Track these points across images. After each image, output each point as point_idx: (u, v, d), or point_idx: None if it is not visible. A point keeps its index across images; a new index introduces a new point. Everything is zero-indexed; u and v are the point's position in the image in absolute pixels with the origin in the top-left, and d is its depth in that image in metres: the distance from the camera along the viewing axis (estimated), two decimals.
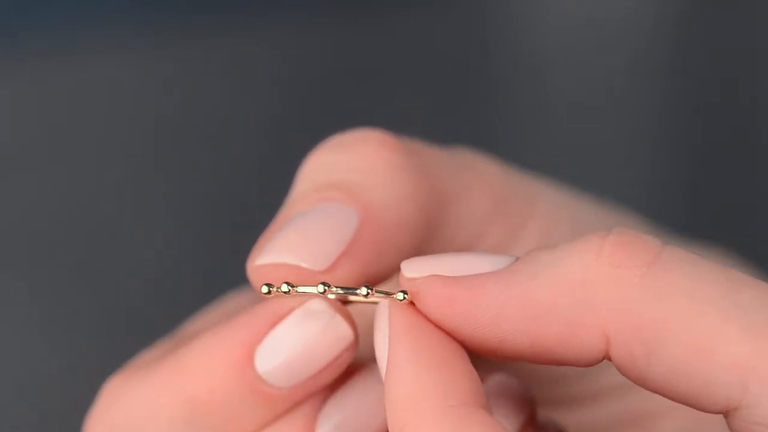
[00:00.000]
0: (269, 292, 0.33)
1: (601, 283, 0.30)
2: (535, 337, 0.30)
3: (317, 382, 0.34)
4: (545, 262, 0.30)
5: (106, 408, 0.35)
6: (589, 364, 0.30)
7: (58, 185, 0.77)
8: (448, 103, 0.84)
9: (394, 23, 0.89)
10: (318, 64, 0.85)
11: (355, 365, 0.34)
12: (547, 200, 0.39)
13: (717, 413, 0.29)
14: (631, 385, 0.30)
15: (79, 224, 0.75)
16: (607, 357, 0.30)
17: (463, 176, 0.37)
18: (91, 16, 0.86)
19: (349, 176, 0.35)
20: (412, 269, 0.32)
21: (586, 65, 0.87)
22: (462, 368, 0.30)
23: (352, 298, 0.33)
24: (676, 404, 0.30)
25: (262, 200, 0.49)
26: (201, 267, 0.72)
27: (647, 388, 0.30)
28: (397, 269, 0.32)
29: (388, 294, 0.32)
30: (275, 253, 0.33)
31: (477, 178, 0.37)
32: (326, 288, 0.33)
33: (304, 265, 0.33)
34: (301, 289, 0.33)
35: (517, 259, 0.31)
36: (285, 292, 0.33)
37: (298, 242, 0.33)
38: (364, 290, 0.32)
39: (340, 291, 0.33)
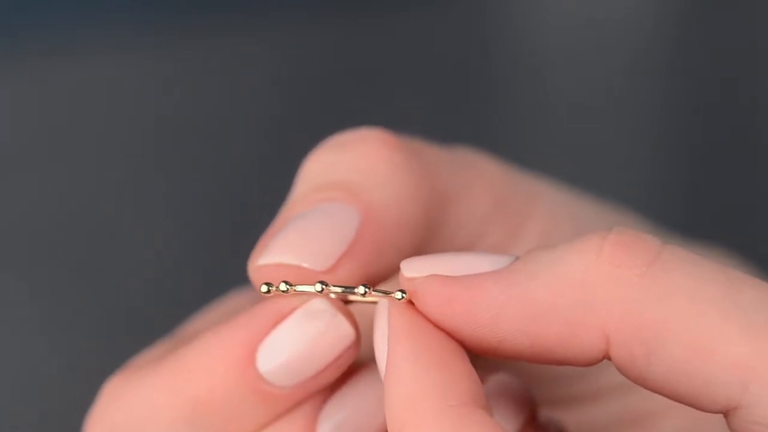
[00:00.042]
0: (269, 291, 0.33)
1: (601, 282, 0.29)
2: (534, 337, 0.30)
3: (319, 382, 0.34)
4: (545, 261, 0.30)
5: (106, 407, 0.35)
6: (589, 363, 0.30)
7: (58, 185, 0.77)
8: (448, 103, 0.84)
9: (394, 23, 0.89)
10: (318, 64, 0.85)
11: (356, 365, 0.34)
12: (547, 200, 0.39)
13: (717, 413, 0.29)
14: (630, 384, 0.30)
15: (79, 224, 0.75)
16: (606, 357, 0.30)
17: (463, 175, 0.37)
18: (91, 16, 0.86)
19: (350, 176, 0.34)
20: (412, 269, 0.32)
21: (586, 65, 0.87)
22: (461, 368, 0.30)
23: (350, 297, 0.33)
24: (676, 404, 0.30)
25: (262, 200, 0.49)
26: (201, 267, 0.72)
27: (647, 388, 0.30)
28: (398, 269, 0.32)
29: (385, 293, 0.32)
30: (276, 253, 0.33)
31: (478, 177, 0.37)
32: (324, 287, 0.33)
33: (305, 265, 0.33)
34: (299, 288, 0.33)
35: (517, 258, 0.31)
36: (283, 291, 0.33)
37: (299, 242, 0.33)
38: (361, 289, 0.32)
39: (337, 290, 0.33)
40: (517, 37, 0.91)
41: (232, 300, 0.38)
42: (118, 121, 0.82)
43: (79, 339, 0.69)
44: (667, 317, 0.29)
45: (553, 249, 0.30)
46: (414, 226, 0.35)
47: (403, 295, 0.32)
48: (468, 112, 0.83)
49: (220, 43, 0.86)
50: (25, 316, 0.70)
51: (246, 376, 0.33)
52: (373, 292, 0.32)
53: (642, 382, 0.30)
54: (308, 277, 0.33)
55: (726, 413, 0.29)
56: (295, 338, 0.33)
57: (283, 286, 0.33)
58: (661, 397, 0.30)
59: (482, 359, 0.32)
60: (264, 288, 0.33)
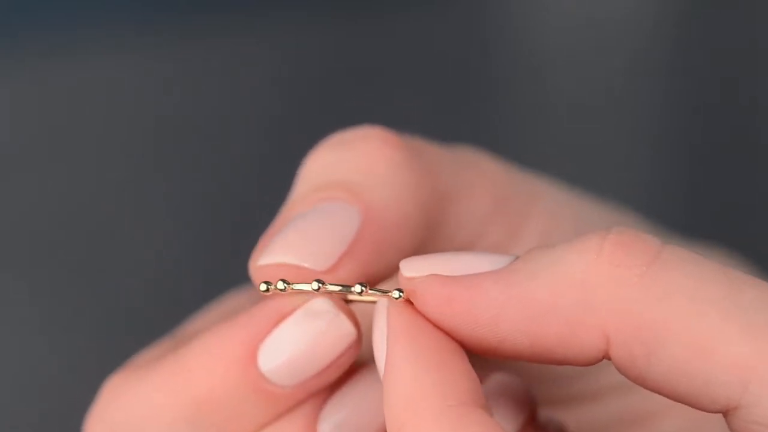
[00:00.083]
0: (267, 290, 0.33)
1: (601, 282, 0.29)
2: (534, 336, 0.30)
3: (320, 381, 0.34)
4: (545, 261, 0.30)
5: (106, 407, 0.35)
6: (589, 363, 0.30)
7: (58, 185, 0.77)
8: (448, 103, 0.84)
9: (394, 23, 0.89)
10: (318, 64, 0.85)
11: (356, 364, 0.34)
12: (548, 199, 0.39)
13: (716, 412, 0.29)
14: (630, 384, 0.30)
15: (79, 224, 0.75)
16: (606, 357, 0.30)
17: (464, 174, 0.37)
18: (91, 16, 0.86)
19: (351, 175, 0.34)
20: (411, 268, 0.32)
21: (586, 65, 0.87)
22: (460, 368, 0.30)
23: (349, 296, 0.33)
24: (676, 403, 0.30)
25: (262, 200, 0.49)
26: (201, 267, 0.72)
27: (647, 388, 0.30)
28: (398, 268, 0.32)
29: (383, 292, 0.32)
30: (277, 253, 0.33)
31: (478, 177, 0.37)
32: (321, 285, 0.33)
33: (306, 265, 0.33)
34: (297, 286, 0.33)
35: (517, 258, 0.31)
36: (281, 290, 0.33)
37: (299, 242, 0.33)
38: (358, 288, 0.33)
39: (334, 288, 0.33)
40: (517, 37, 0.91)
41: (232, 299, 0.38)
42: (118, 121, 0.82)
43: (79, 339, 0.69)
44: (667, 317, 0.29)
45: (553, 249, 0.30)
46: (414, 226, 0.35)
47: (401, 294, 0.32)
48: (468, 112, 0.83)
49: (220, 43, 0.86)
50: (25, 316, 0.70)
51: (247, 375, 0.33)
52: (369, 291, 0.32)
53: (642, 382, 0.30)
54: (308, 277, 0.33)
55: (726, 413, 0.29)
56: (297, 337, 0.33)
57: (280, 285, 0.33)
58: (661, 396, 0.30)
59: (482, 359, 0.32)
60: (263, 287, 0.33)
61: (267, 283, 0.33)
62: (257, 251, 0.34)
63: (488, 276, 0.31)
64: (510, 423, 0.34)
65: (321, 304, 0.33)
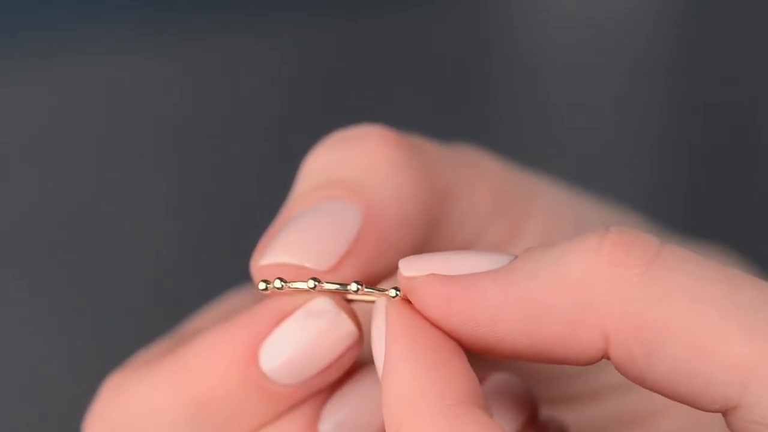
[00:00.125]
0: (266, 289, 0.33)
1: (601, 282, 0.29)
2: (534, 336, 0.30)
3: (322, 380, 0.34)
4: (544, 260, 0.30)
5: (105, 405, 0.34)
6: (588, 363, 0.30)
7: (58, 185, 0.77)
8: (448, 103, 0.84)
9: (394, 23, 0.89)
10: (318, 64, 0.85)
11: (357, 364, 0.34)
12: (548, 198, 0.39)
13: (716, 412, 0.29)
14: (629, 383, 0.30)
15: (79, 224, 0.75)
16: (605, 356, 0.30)
17: (464, 172, 0.37)
18: (91, 16, 0.86)
19: (351, 173, 0.34)
20: (410, 268, 0.32)
21: (586, 65, 0.87)
22: (459, 367, 0.30)
23: (349, 296, 0.33)
24: (675, 403, 0.30)
25: (262, 200, 0.49)
26: (201, 267, 0.72)
27: (646, 387, 0.30)
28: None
29: (380, 291, 0.32)
30: (278, 253, 0.33)
31: (479, 175, 0.37)
32: (316, 283, 0.33)
33: (308, 265, 0.33)
34: (293, 285, 0.33)
35: (516, 257, 0.31)
36: (278, 288, 0.33)
37: (301, 242, 0.33)
38: (354, 286, 0.33)
39: (330, 287, 0.33)
40: (517, 37, 0.91)
41: (233, 298, 0.38)
42: (118, 121, 0.82)
43: (79, 339, 0.69)
44: (667, 317, 0.29)
45: (552, 248, 0.30)
46: (415, 224, 0.35)
47: (397, 292, 0.32)
48: (468, 112, 0.83)
49: (220, 43, 0.86)
50: (25, 316, 0.70)
51: (249, 374, 0.33)
52: (365, 290, 0.32)
53: (641, 382, 0.30)
54: (310, 277, 0.33)
55: (725, 412, 0.29)
56: (298, 337, 0.33)
57: (277, 283, 0.33)
58: (660, 396, 0.30)
59: (482, 359, 0.32)
60: (262, 285, 0.33)
61: (265, 281, 0.33)
62: (258, 251, 0.34)
63: (487, 275, 0.30)
64: (510, 423, 0.34)
65: (322, 303, 0.33)
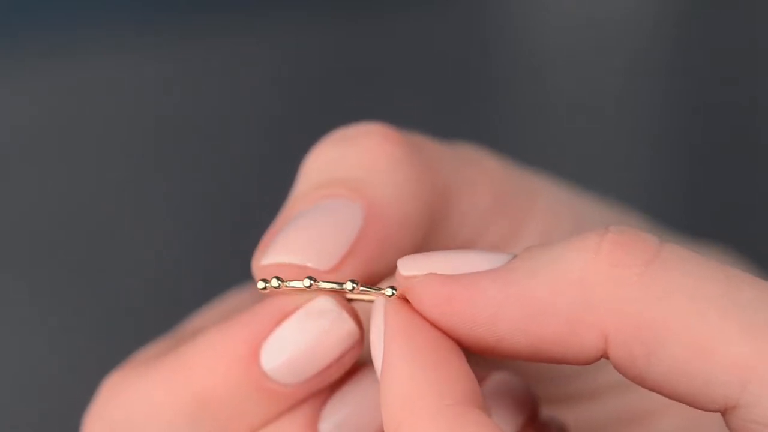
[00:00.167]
0: (265, 288, 0.33)
1: (600, 281, 0.29)
2: (533, 335, 0.30)
3: (323, 380, 0.34)
4: (543, 260, 0.30)
5: (105, 404, 0.34)
6: (588, 362, 0.30)
7: (58, 185, 0.77)
8: (448, 103, 0.84)
9: (394, 23, 0.89)
10: (318, 64, 0.85)
11: (358, 364, 0.34)
12: (548, 197, 0.39)
13: (715, 411, 0.29)
14: (628, 383, 0.30)
15: (79, 224, 0.75)
16: (605, 356, 0.30)
17: (465, 171, 0.36)
18: (91, 16, 0.86)
19: (352, 172, 0.34)
20: (409, 267, 0.31)
21: (586, 65, 0.87)
22: (458, 367, 0.30)
23: (347, 295, 0.33)
24: (674, 402, 0.30)
25: (262, 200, 0.49)
26: (201, 267, 0.72)
27: (646, 387, 0.30)
28: None
29: (376, 290, 0.32)
30: (279, 252, 0.33)
31: (479, 174, 0.37)
32: (312, 282, 0.33)
33: (309, 264, 0.33)
34: (290, 284, 0.33)
35: (515, 256, 0.31)
36: (276, 287, 0.33)
37: (302, 242, 0.33)
38: (349, 285, 0.33)
39: (326, 285, 0.33)
40: (517, 37, 0.91)
41: (234, 297, 0.38)
42: (118, 121, 0.82)
43: (79, 339, 0.69)
44: (666, 317, 0.29)
45: (552, 247, 0.30)
46: (416, 222, 0.34)
47: (394, 291, 0.32)
48: (468, 112, 0.83)
49: (220, 43, 0.86)
50: (25, 316, 0.70)
51: (250, 373, 0.33)
52: (361, 288, 0.32)
53: (641, 382, 0.30)
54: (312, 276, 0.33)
55: (724, 412, 0.29)
56: (300, 336, 0.33)
57: (275, 282, 0.33)
58: (659, 395, 0.30)
59: (481, 358, 0.32)
60: (260, 284, 0.33)
61: (264, 280, 0.33)
62: (260, 251, 0.34)
63: (486, 275, 0.30)
64: (510, 423, 0.34)
65: (324, 303, 0.33)
